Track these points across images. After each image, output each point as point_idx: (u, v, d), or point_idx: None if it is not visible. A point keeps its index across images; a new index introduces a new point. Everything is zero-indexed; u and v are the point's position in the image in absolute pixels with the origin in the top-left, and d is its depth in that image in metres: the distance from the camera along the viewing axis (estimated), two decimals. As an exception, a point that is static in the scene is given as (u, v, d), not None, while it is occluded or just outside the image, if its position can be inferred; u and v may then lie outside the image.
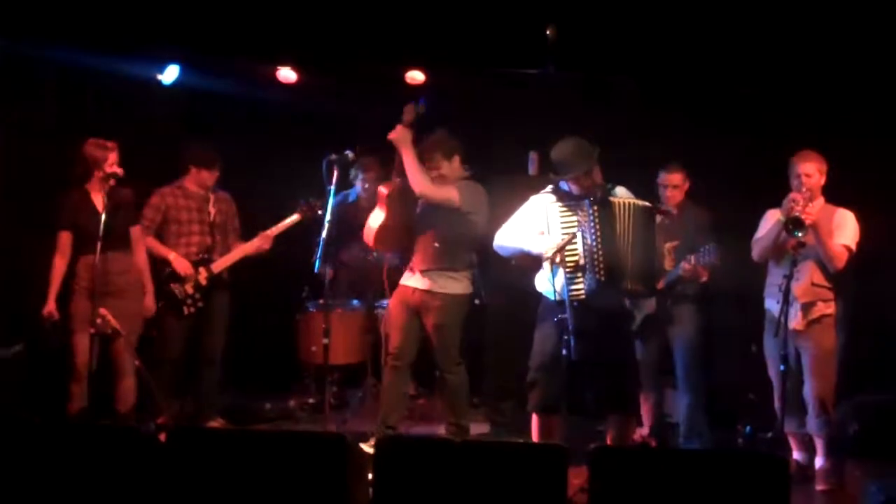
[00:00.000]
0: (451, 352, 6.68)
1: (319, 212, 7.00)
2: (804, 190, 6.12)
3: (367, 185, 7.80)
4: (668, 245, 6.73)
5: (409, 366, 6.75)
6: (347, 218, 7.50)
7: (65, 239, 6.60)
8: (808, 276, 6.22)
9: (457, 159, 6.61)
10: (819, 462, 6.39)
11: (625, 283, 5.68)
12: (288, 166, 7.75)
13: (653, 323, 6.98)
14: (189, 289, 7.14)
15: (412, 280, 6.66)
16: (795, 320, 6.18)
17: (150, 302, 6.89)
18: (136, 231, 6.89)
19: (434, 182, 6.42)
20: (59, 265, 6.59)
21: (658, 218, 5.86)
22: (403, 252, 6.87)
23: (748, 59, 7.46)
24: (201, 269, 7.18)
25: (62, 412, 6.51)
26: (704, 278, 6.81)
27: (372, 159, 7.65)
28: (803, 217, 5.93)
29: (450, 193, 6.41)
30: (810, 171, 6.20)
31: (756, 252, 6.42)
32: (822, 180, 6.27)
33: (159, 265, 7.12)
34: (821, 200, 6.26)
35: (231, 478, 4.38)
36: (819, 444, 6.38)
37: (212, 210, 7.29)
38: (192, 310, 7.17)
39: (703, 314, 7.00)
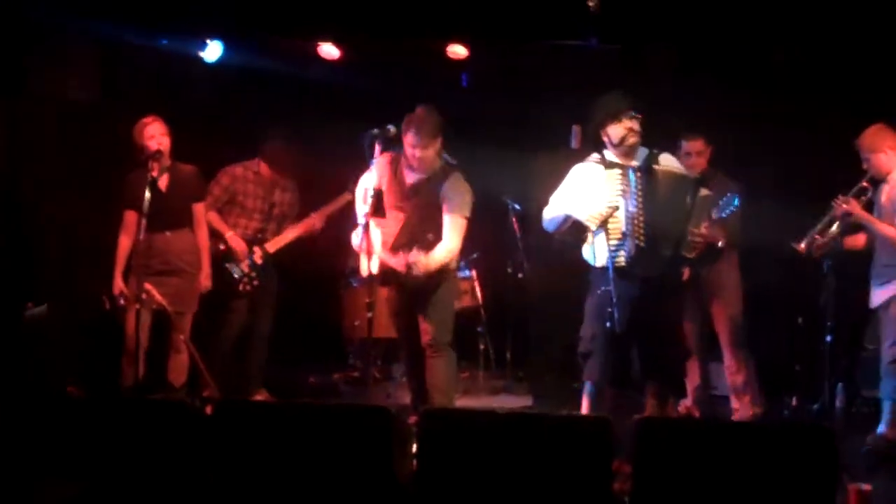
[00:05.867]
0: (449, 326, 6.46)
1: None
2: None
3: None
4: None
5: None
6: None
7: (129, 218, 6.59)
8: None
9: (440, 140, 6.24)
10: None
11: (666, 249, 5.65)
12: (330, 142, 7.71)
13: (696, 293, 6.92)
14: (245, 267, 7.14)
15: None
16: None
17: (205, 279, 6.85)
18: (199, 208, 6.87)
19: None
20: (125, 243, 6.61)
21: (703, 191, 5.78)
22: None
23: (789, 25, 7.33)
24: (256, 249, 7.18)
25: (114, 386, 6.57)
26: (721, 241, 6.70)
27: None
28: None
29: (453, 245, 6.24)
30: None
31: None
32: None
33: (214, 243, 7.09)
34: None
35: (276, 450, 4.39)
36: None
37: (276, 200, 7.29)
38: (249, 288, 7.17)
39: (741, 282, 6.96)
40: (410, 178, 6.33)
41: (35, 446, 4.54)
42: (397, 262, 6.17)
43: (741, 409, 6.96)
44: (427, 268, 6.09)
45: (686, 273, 6.74)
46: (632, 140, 5.74)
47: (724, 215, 6.36)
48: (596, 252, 5.69)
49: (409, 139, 6.15)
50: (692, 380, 7.13)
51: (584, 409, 5.83)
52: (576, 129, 7.96)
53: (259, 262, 7.19)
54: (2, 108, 7.09)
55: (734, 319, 6.98)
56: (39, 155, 7.28)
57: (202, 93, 8.36)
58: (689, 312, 6.98)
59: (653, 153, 5.80)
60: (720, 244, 6.66)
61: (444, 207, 6.24)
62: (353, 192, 7.14)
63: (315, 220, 7.36)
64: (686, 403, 7.18)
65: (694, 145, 6.96)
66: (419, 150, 6.15)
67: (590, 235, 5.70)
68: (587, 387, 5.86)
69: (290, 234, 7.31)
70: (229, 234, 7.13)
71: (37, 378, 6.72)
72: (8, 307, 6.98)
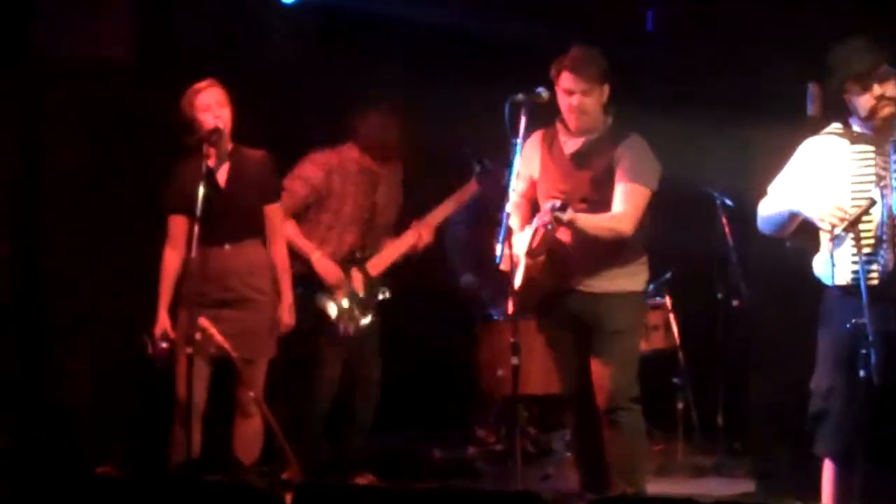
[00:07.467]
0: (632, 374, 6.46)
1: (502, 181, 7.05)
2: None
3: None
4: None
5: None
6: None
7: (176, 224, 6.58)
8: None
9: (607, 89, 6.37)
10: None
11: None
12: (456, 111, 7.79)
13: None
14: (343, 300, 7.23)
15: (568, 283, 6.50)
16: None
17: (285, 314, 6.78)
18: (273, 211, 6.79)
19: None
20: (171, 261, 6.59)
21: None
22: None
23: None
24: (354, 272, 7.28)
25: (162, 462, 6.67)
26: None
27: None
28: None
29: (626, 218, 6.26)
30: None
31: None
32: None
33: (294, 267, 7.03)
34: None
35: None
36: None
37: (379, 200, 7.35)
38: (351, 330, 7.25)
39: None
40: (571, 145, 6.41)
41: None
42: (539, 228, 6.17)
43: None
44: (575, 222, 6.06)
45: None
46: (886, 111, 5.66)
47: None
48: (836, 265, 5.59)
49: (564, 81, 6.25)
50: None
51: (826, 496, 5.81)
52: (813, 88, 7.91)
53: (361, 291, 7.29)
54: (2, 77, 7.29)
55: None
56: (54, 138, 7.46)
57: (278, 47, 8.49)
58: None
59: None
60: None
61: (618, 174, 6.27)
62: (481, 182, 7.21)
63: (419, 233, 7.44)
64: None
65: None
66: (578, 97, 6.23)
67: (825, 241, 5.66)
68: (827, 465, 5.84)
69: (391, 252, 7.39)
70: (316, 256, 7.17)
71: (58, 452, 6.92)
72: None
